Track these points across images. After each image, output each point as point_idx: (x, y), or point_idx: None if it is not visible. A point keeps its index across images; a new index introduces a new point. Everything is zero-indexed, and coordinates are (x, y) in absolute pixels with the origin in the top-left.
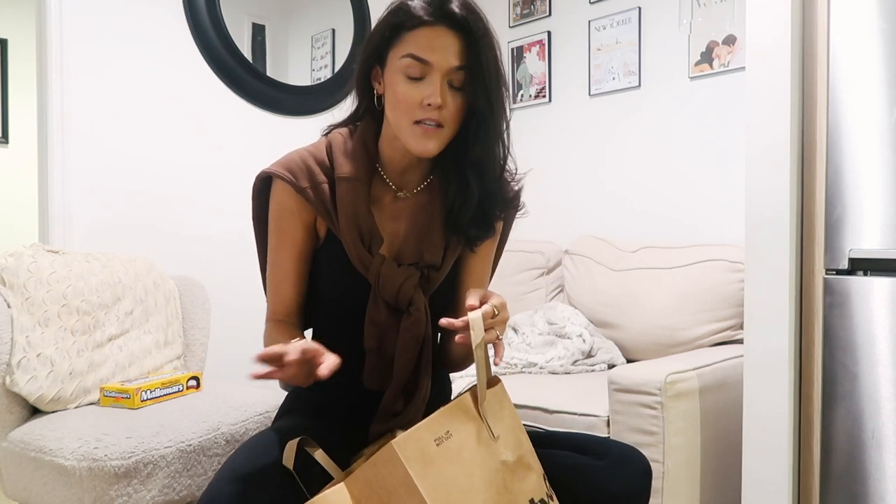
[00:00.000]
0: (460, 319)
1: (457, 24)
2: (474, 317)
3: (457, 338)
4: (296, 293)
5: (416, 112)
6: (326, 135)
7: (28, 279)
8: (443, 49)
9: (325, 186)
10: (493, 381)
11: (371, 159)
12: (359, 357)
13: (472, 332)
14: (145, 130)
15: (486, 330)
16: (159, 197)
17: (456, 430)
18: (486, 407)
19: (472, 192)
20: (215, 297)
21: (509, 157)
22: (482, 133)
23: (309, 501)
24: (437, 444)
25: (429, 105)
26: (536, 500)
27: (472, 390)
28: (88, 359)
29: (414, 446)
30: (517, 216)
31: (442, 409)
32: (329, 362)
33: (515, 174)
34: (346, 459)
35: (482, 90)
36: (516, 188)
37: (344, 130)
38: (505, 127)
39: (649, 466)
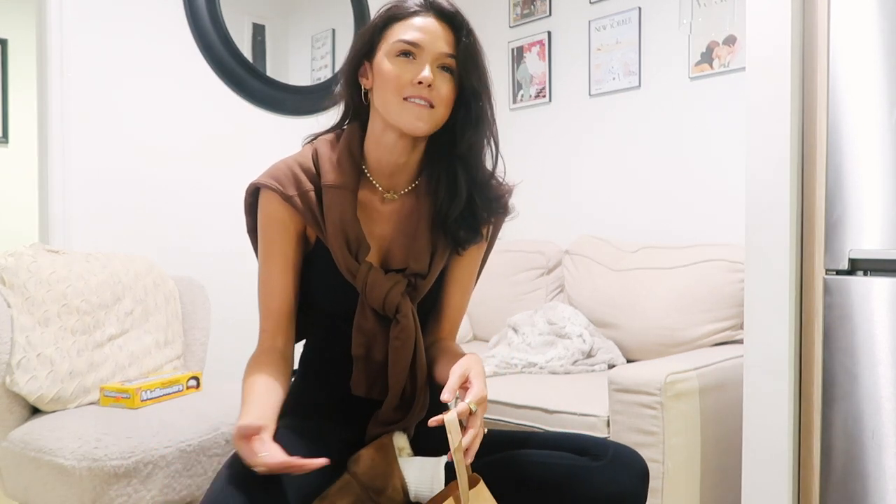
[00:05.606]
0: (435, 419)
1: (446, 16)
2: (450, 419)
3: (430, 422)
4: (284, 306)
5: (407, 89)
6: (311, 142)
7: (28, 279)
8: (433, 35)
9: (312, 194)
10: (473, 481)
11: (357, 164)
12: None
13: (449, 435)
14: (145, 130)
15: (466, 428)
16: (159, 197)
17: None
18: None
19: (460, 188)
20: (215, 298)
21: (500, 159)
22: (472, 123)
23: None
24: None
25: (419, 83)
26: None
27: (456, 494)
28: (88, 359)
29: None
30: (506, 220)
31: None
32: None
33: (504, 179)
34: (343, 461)
35: (473, 78)
36: (506, 194)
37: (329, 137)
38: (494, 126)
39: (647, 468)
